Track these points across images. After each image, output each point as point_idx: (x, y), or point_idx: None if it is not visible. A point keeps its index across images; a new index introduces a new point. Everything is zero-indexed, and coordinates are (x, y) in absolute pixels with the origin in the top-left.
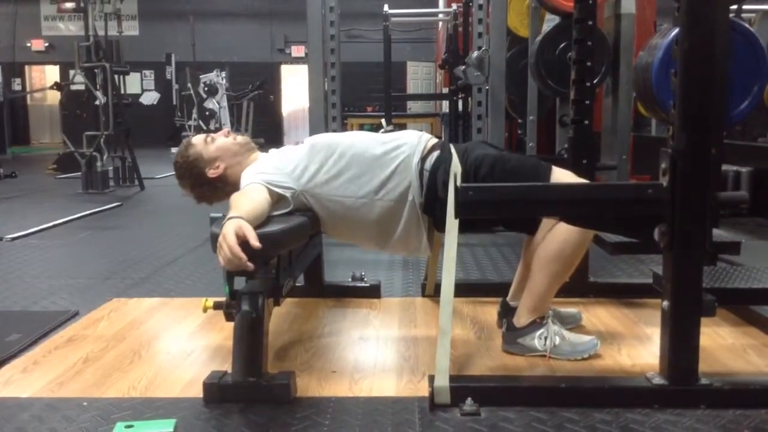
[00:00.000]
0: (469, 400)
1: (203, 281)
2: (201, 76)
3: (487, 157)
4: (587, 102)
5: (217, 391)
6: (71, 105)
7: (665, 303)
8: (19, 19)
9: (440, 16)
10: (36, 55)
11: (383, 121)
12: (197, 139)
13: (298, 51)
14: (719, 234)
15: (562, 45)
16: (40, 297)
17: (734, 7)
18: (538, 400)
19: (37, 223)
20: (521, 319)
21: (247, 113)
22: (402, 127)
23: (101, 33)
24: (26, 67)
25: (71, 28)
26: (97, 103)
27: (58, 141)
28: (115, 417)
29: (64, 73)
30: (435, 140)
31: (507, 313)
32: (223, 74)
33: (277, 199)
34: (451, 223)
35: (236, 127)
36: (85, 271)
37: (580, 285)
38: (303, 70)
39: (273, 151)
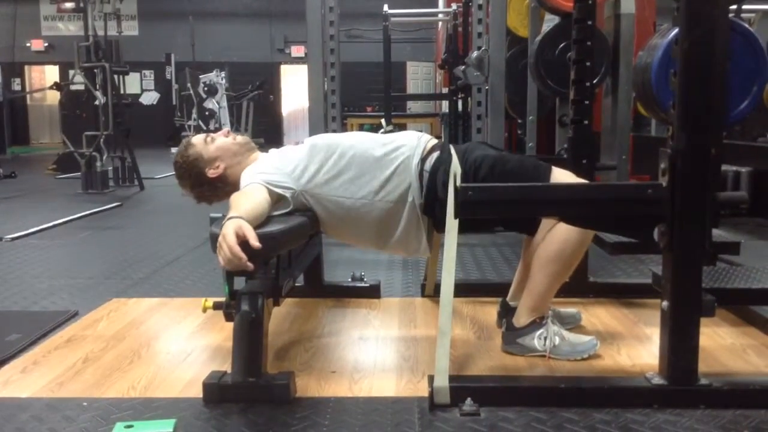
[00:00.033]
0: (468, 401)
1: (203, 281)
2: (201, 76)
3: (487, 157)
4: (587, 102)
5: (216, 391)
6: (71, 105)
7: (665, 303)
8: (19, 19)
9: (440, 16)
10: (35, 55)
11: (383, 121)
12: (197, 139)
13: (297, 51)
14: (719, 234)
15: (561, 45)
16: (39, 297)
17: (734, 7)
18: (537, 400)
19: (37, 223)
20: (521, 319)
21: (246, 113)
22: (402, 127)
23: (101, 33)
24: (26, 67)
25: (71, 28)
26: (96, 103)
27: (57, 141)
28: (115, 417)
29: (63, 73)
30: (435, 141)
31: (507, 313)
32: (223, 74)
33: (276, 199)
34: (451, 224)
35: (236, 127)
36: (84, 271)
37: (579, 285)
38: (303, 70)
39: (273, 151)
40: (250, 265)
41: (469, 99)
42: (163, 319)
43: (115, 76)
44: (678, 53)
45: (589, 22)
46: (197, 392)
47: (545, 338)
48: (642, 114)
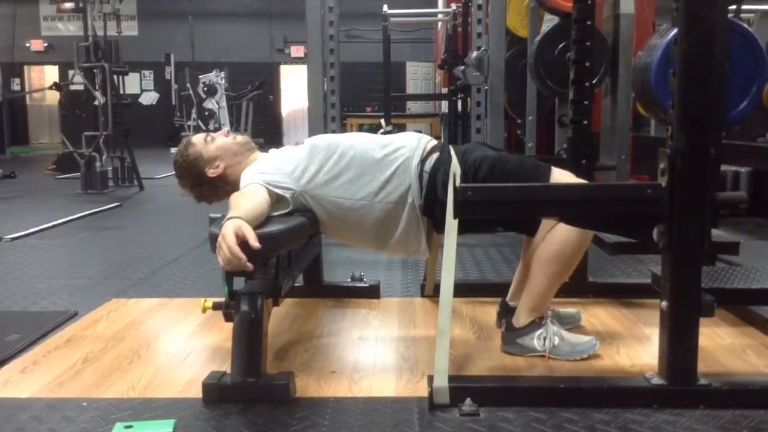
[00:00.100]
0: (468, 401)
1: (202, 281)
2: (200, 76)
3: (487, 158)
4: (586, 102)
5: (216, 391)
6: (70, 105)
7: (664, 303)
8: (19, 20)
9: (439, 16)
10: (35, 55)
11: (383, 121)
12: (197, 139)
13: (297, 51)
14: (718, 234)
15: (561, 45)
16: (39, 297)
17: (733, 7)
18: (537, 400)
19: (37, 224)
20: (520, 319)
21: (246, 113)
22: (401, 127)
23: (100, 33)
24: (25, 68)
25: (70, 28)
26: (96, 103)
27: (57, 141)
28: (115, 417)
29: (63, 74)
30: (434, 142)
31: (506, 313)
32: (223, 74)
33: (276, 200)
34: (451, 224)
35: (235, 127)
36: (84, 271)
37: (579, 285)
38: (302, 70)
39: (273, 151)
40: (250, 266)
41: (468, 99)
42: (162, 319)
43: (115, 77)
44: (677, 53)
45: (589, 23)
46: (197, 392)
47: (545, 338)
48: (641, 114)
